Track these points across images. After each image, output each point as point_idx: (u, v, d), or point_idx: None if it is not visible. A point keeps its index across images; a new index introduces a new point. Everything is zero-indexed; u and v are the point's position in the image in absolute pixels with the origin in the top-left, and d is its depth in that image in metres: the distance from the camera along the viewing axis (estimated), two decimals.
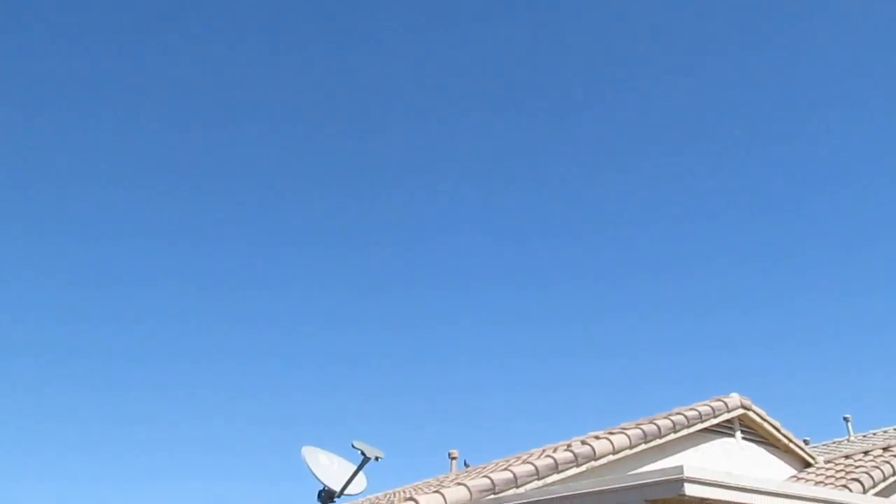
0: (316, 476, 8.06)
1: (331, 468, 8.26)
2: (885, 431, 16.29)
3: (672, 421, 9.91)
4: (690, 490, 5.55)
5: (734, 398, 10.94)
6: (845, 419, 17.18)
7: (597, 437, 9.42)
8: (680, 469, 5.58)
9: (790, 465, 11.64)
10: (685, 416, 10.08)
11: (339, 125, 35.88)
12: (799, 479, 11.17)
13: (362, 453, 8.04)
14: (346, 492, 8.22)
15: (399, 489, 12.79)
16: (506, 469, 8.59)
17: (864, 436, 16.54)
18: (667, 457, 9.66)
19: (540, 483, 8.39)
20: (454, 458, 15.28)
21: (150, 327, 41.30)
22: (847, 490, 9.78)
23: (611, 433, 9.52)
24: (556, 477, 8.58)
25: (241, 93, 34.67)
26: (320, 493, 8.11)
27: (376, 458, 8.09)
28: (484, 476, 8.43)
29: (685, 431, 10.05)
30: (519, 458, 10.28)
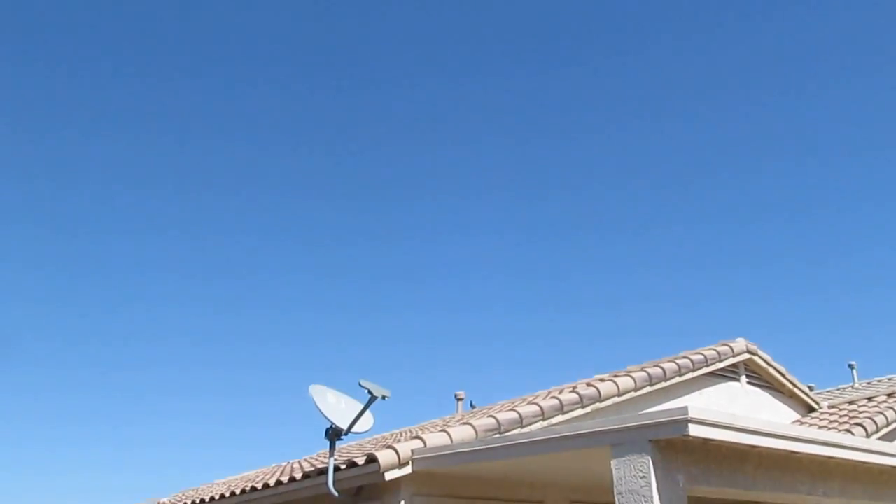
0: (323, 414, 8.13)
1: (338, 407, 8.33)
2: (889, 378, 16.37)
3: (677, 364, 9.96)
4: (694, 430, 5.57)
5: (740, 343, 10.98)
6: (850, 366, 17.24)
7: (602, 380, 9.48)
8: (685, 409, 5.59)
9: (794, 409, 11.73)
10: (690, 360, 10.13)
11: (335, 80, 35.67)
12: (803, 423, 11.25)
13: (369, 392, 8.10)
14: (352, 430, 8.29)
15: (405, 429, 12.93)
16: (511, 410, 8.66)
17: (869, 383, 16.62)
18: (671, 400, 9.73)
19: (545, 423, 8.46)
20: (460, 400, 15.42)
21: (158, 274, 41.54)
22: (850, 434, 9.85)
23: (616, 376, 9.58)
24: (560, 418, 8.66)
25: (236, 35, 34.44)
26: (327, 430, 8.19)
27: (383, 397, 8.14)
28: (490, 416, 8.50)
29: (690, 375, 10.11)
30: (524, 399, 10.36)
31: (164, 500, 13.96)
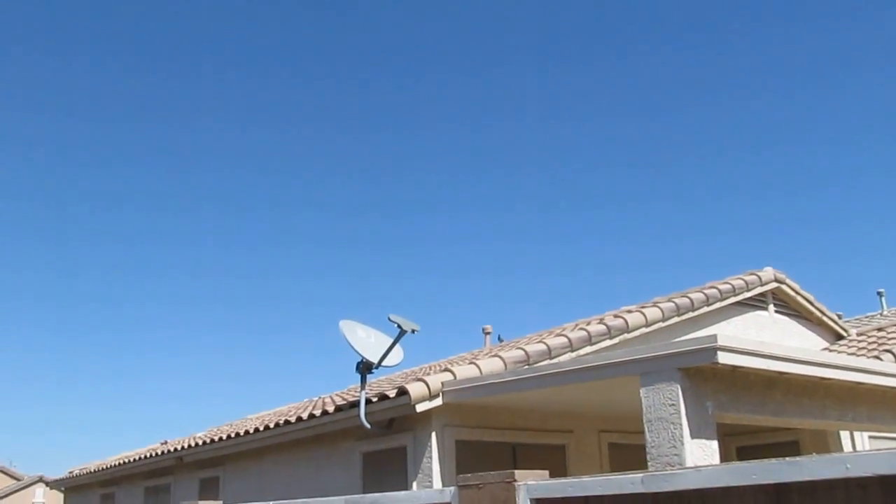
0: (354, 348, 8.24)
1: (368, 341, 8.43)
2: None
3: (705, 294, 9.95)
4: (723, 358, 5.60)
5: (768, 272, 10.93)
6: (879, 293, 17.11)
7: (629, 311, 9.50)
8: (713, 338, 5.62)
9: (823, 337, 11.71)
10: (718, 290, 10.11)
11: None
12: (831, 350, 11.25)
13: (399, 326, 8.19)
14: (383, 364, 8.41)
15: (435, 363, 13.07)
16: (539, 342, 8.72)
17: None
18: (699, 329, 9.74)
19: (573, 355, 8.52)
20: (488, 334, 15.50)
21: (197, 209, 41.92)
22: (879, 360, 9.84)
23: (643, 307, 9.60)
24: (589, 349, 8.70)
25: None
26: (358, 364, 8.31)
27: (412, 331, 8.23)
28: (518, 348, 8.57)
29: (718, 305, 10.10)
30: (552, 331, 10.42)
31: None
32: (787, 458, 3.05)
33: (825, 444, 9.27)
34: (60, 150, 43.36)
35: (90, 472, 16.51)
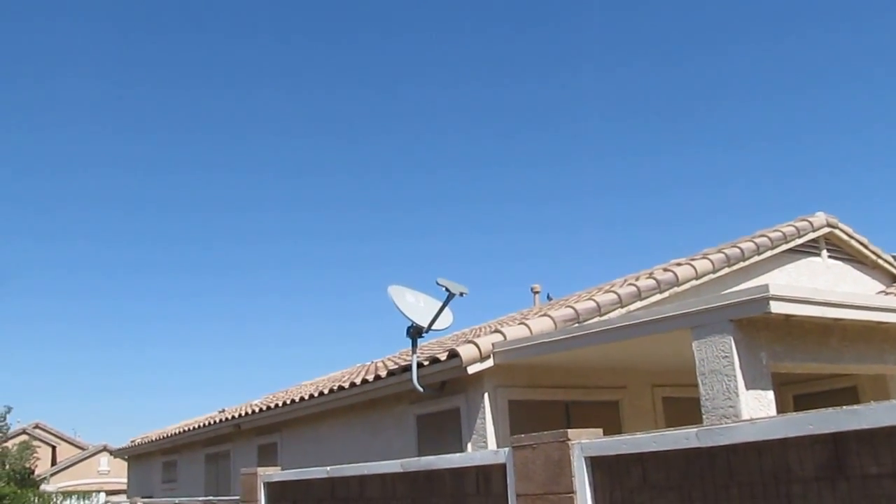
0: (403, 313, 8.28)
1: (417, 305, 8.46)
2: None
3: (755, 243, 9.79)
4: (776, 307, 5.52)
5: (819, 217, 10.72)
6: None
7: (678, 264, 9.39)
8: (765, 287, 5.53)
9: (879, 280, 11.48)
10: (769, 238, 9.94)
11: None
12: (888, 293, 11.03)
13: (447, 290, 8.20)
14: (433, 328, 8.44)
15: (485, 324, 13.10)
16: (589, 299, 8.68)
17: None
18: (751, 279, 9.60)
19: (623, 311, 8.47)
20: (537, 293, 15.48)
21: (247, 176, 42.41)
22: None
23: (693, 259, 9.48)
24: (638, 304, 8.64)
25: None
26: (409, 329, 8.35)
27: (461, 294, 8.24)
28: (567, 306, 8.54)
29: (769, 253, 9.94)
30: (601, 288, 10.36)
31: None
32: (845, 407, 3.00)
33: (885, 389, 9.13)
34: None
35: (152, 440, 16.94)
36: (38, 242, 53.13)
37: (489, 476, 4.62)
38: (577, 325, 7.96)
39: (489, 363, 7.77)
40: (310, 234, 50.76)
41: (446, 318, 8.55)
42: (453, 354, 7.70)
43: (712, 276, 9.28)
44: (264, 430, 12.35)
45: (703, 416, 5.74)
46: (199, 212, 49.21)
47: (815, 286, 9.80)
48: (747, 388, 5.60)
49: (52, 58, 42.51)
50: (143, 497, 16.84)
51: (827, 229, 10.77)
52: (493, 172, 44.94)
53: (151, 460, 17.94)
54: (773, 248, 9.97)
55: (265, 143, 45.26)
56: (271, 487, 7.34)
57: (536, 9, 39.23)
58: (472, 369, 7.66)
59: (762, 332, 5.80)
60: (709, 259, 9.32)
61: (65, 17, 41.38)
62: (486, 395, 7.86)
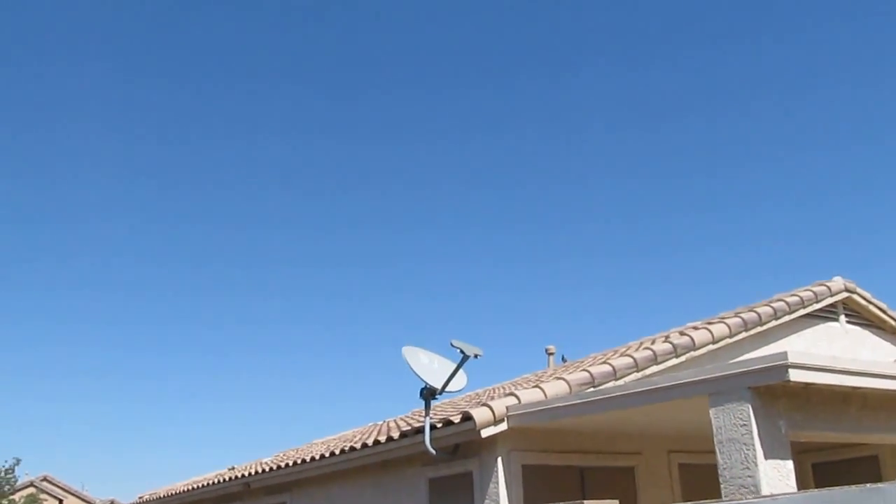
0: (417, 374, 8.23)
1: (431, 367, 8.41)
2: None
3: (773, 307, 9.72)
4: (795, 375, 5.45)
5: (837, 282, 10.65)
6: None
7: (695, 328, 9.32)
8: (784, 355, 5.47)
9: None
10: (786, 303, 9.87)
11: None
12: None
13: (461, 351, 8.15)
14: (446, 389, 8.38)
15: (499, 385, 13.00)
16: (604, 362, 8.60)
17: None
18: (768, 344, 9.51)
19: (639, 375, 8.39)
20: (551, 354, 15.38)
21: (258, 231, 42.70)
22: None
23: (709, 323, 9.41)
24: (654, 368, 8.56)
25: None
26: (422, 390, 8.28)
27: (475, 356, 8.19)
28: (583, 370, 8.46)
29: (786, 318, 9.86)
30: (616, 351, 10.28)
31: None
32: (868, 485, 2.94)
33: None
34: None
35: (160, 497, 16.75)
36: (48, 293, 53.20)
37: None
38: (592, 388, 7.88)
39: (503, 427, 7.67)
40: (323, 291, 50.81)
41: (460, 380, 8.49)
42: (467, 417, 7.62)
43: (729, 340, 9.20)
44: (274, 490, 12.21)
45: (721, 486, 5.64)
46: (210, 265, 49.36)
47: (833, 352, 9.70)
48: (766, 457, 5.51)
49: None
50: None
51: (845, 294, 10.70)
52: (508, 231, 45.04)
53: None
54: (790, 313, 9.89)
55: (276, 200, 45.57)
56: None
57: (552, 63, 39.67)
58: (485, 433, 7.57)
59: (781, 399, 5.73)
60: (726, 323, 9.25)
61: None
62: (499, 459, 7.76)
